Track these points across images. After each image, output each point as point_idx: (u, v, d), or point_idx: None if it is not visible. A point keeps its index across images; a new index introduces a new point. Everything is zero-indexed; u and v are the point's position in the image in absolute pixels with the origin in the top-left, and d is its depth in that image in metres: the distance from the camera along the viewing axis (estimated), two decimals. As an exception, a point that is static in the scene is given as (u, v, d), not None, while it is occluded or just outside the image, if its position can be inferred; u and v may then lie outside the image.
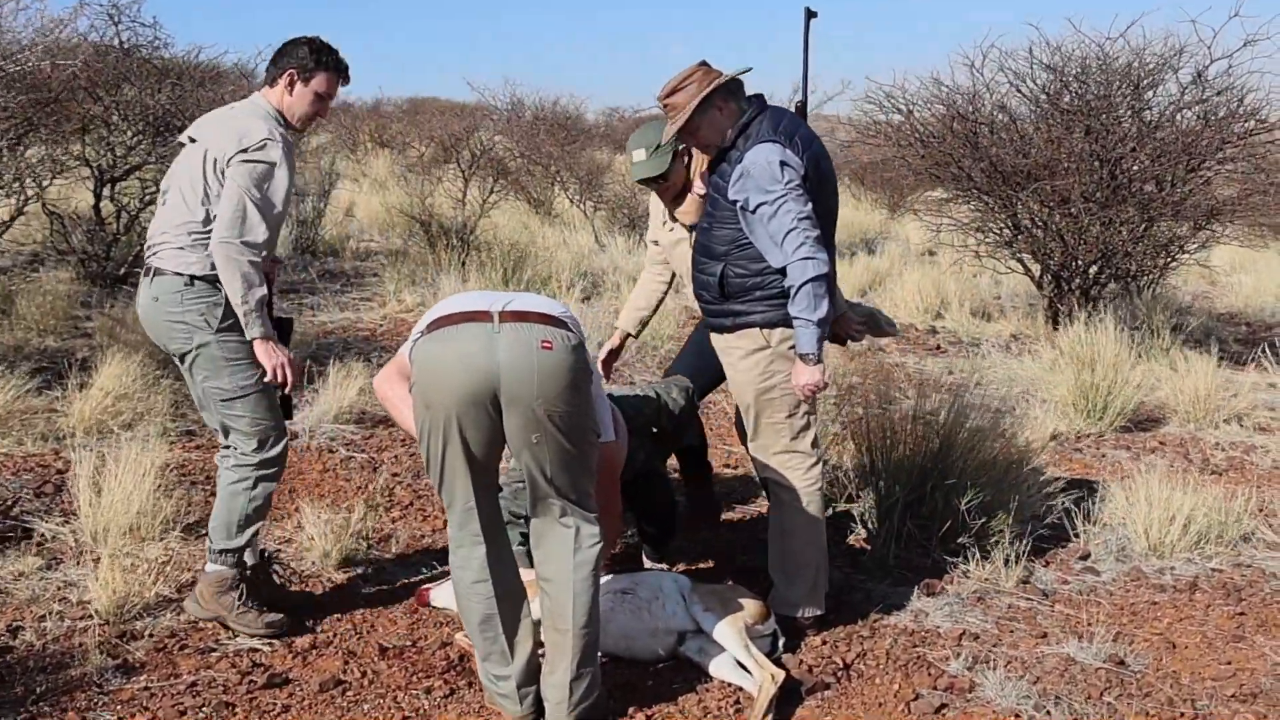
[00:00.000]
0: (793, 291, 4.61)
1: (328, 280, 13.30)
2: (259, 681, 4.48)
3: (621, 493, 5.34)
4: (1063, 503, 6.55)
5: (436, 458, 4.02)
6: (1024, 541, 5.89)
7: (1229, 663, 4.97)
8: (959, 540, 5.81)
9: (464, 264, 12.61)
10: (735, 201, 4.69)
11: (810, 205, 4.63)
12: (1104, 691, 4.67)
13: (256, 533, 4.94)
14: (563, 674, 4.14)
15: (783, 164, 4.60)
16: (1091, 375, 8.76)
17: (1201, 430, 8.71)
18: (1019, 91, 11.42)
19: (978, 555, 5.77)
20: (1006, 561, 5.71)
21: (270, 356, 4.65)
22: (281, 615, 4.89)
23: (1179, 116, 11.04)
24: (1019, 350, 11.08)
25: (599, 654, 4.27)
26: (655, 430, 5.46)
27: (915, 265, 15.05)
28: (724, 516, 6.55)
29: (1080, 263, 11.22)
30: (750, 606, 4.78)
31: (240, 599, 4.82)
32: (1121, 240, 10.84)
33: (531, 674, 4.24)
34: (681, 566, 5.71)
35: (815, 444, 5.02)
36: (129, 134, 11.85)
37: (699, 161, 5.53)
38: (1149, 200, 10.93)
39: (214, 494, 6.27)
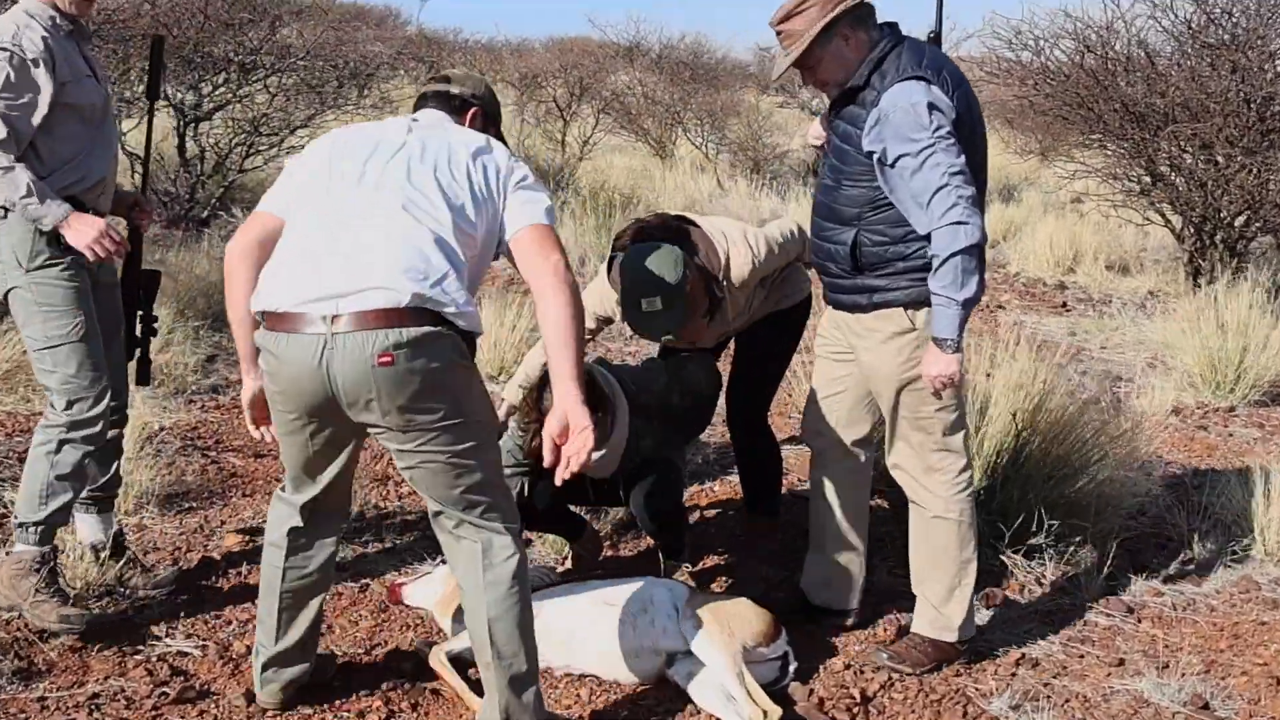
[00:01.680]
0: (936, 263, 3.77)
1: (424, 223, 12.72)
2: (171, 694, 3.87)
3: (623, 485, 4.65)
4: (1170, 493, 5.65)
5: (282, 432, 3.51)
6: (1114, 541, 5.04)
7: (1346, 709, 4.08)
8: (1035, 539, 4.96)
9: (561, 208, 11.91)
10: (870, 153, 3.87)
11: (963, 157, 3.78)
12: (1177, 746, 3.85)
13: (66, 508, 4.27)
14: (489, 714, 3.47)
15: (930, 106, 3.75)
16: (1223, 340, 7.73)
17: (1353, 407, 7.66)
18: (1158, 25, 10.33)
19: (1055, 558, 4.94)
20: (1089, 567, 4.87)
21: (79, 234, 4.00)
22: (79, 610, 4.22)
23: (1340, 52, 9.87)
24: (1153, 310, 10.04)
25: (533, 689, 3.58)
26: (667, 410, 4.68)
27: (1054, 215, 13.95)
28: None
29: (1224, 214, 10.17)
30: (754, 624, 4.04)
31: (43, 584, 4.16)
32: (1271, 190, 9.75)
33: (289, 660, 3.80)
34: (682, 573, 4.93)
35: (967, 441, 4.23)
36: (215, 73, 11.44)
37: (722, 264, 4.56)
38: (1304, 145, 9.79)
39: (215, 463, 5.82)
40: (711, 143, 17.78)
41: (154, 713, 3.79)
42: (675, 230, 4.51)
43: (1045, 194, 16.54)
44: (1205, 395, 7.67)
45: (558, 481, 3.26)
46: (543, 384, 4.35)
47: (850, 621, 4.54)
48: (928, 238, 3.81)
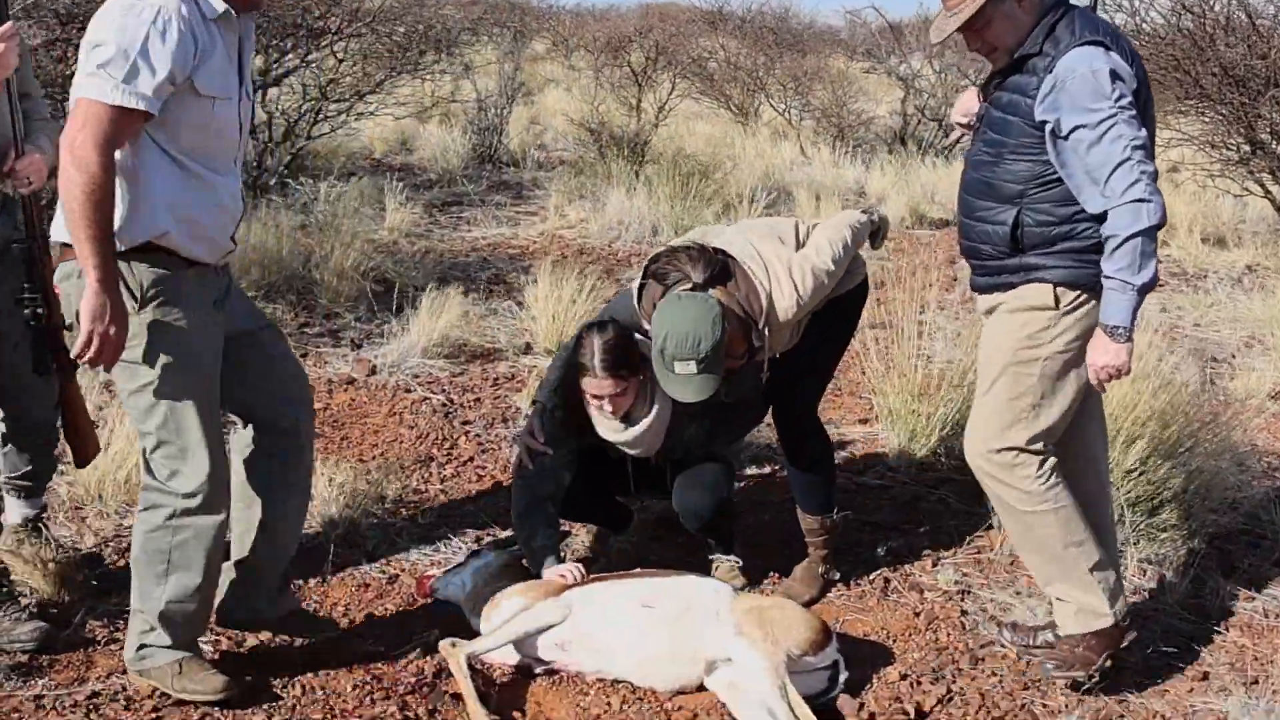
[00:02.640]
0: (1112, 244, 3.43)
1: (496, 192, 12.49)
2: (172, 696, 3.63)
3: (668, 476, 4.36)
4: (1266, 486, 5.24)
5: None
6: (1202, 539, 4.65)
7: None
8: (1114, 537, 4.56)
9: (635, 177, 11.57)
10: (1042, 123, 3.52)
11: (1144, 130, 3.46)
12: (1266, 776, 3.47)
13: None
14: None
15: (1113, 74, 3.42)
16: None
17: None
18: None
19: (1135, 559, 4.56)
20: (1174, 567, 4.51)
21: None
22: (44, 624, 3.90)
23: None
24: (1251, 286, 9.51)
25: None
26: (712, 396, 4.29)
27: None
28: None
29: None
30: (800, 630, 3.72)
31: None
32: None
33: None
34: (732, 563, 4.59)
35: (1049, 436, 3.78)
36: (283, 39, 11.24)
37: (764, 307, 4.04)
38: None
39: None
40: (794, 109, 17.33)
41: (154, 713, 3.56)
42: (717, 271, 4.02)
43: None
44: (1309, 379, 7.18)
45: None
46: (574, 359, 4.12)
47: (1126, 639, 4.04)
48: (1100, 217, 3.48)
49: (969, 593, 4.55)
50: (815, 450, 4.49)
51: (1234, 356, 7.50)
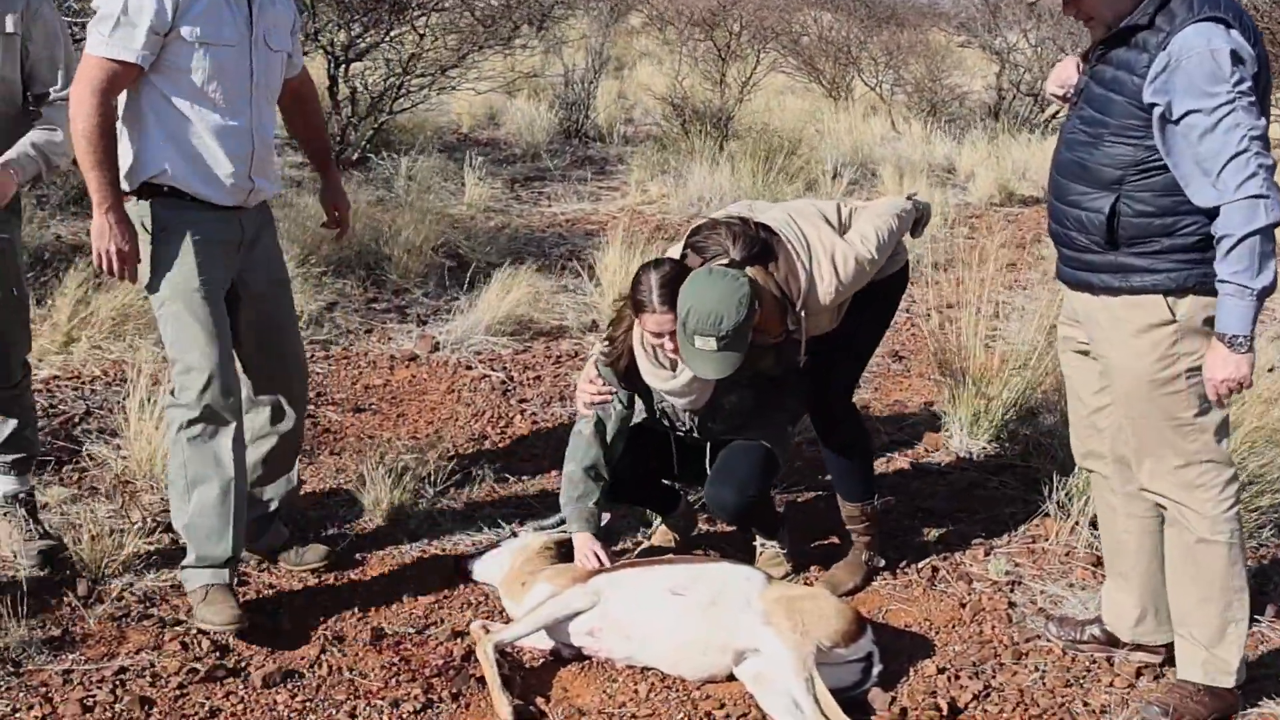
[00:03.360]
0: (1226, 245, 3.15)
1: (579, 167, 12.44)
2: (200, 671, 3.65)
3: (703, 466, 4.30)
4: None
5: None
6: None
7: None
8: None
9: (718, 152, 11.45)
10: (1152, 105, 3.23)
11: (1265, 120, 3.17)
12: (1313, 787, 3.32)
13: None
14: None
15: (1234, 55, 3.11)
16: None
17: None
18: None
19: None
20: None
21: None
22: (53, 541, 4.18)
23: None
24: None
25: None
26: (757, 370, 4.23)
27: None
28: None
29: None
30: (832, 621, 3.63)
31: None
32: None
33: None
34: (776, 549, 4.50)
35: (1225, 436, 3.51)
36: (363, 13, 11.28)
37: (802, 289, 3.92)
38: None
39: (310, 416, 5.60)
40: (887, 83, 17.08)
41: (179, 691, 3.58)
42: (759, 249, 3.94)
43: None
44: None
45: None
46: (631, 298, 4.01)
47: (1162, 661, 3.89)
48: (1207, 212, 3.21)
49: (1019, 584, 4.42)
50: (850, 436, 4.38)
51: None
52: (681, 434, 4.37)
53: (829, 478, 4.66)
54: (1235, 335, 3.18)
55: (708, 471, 4.34)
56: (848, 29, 18.07)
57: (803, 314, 3.91)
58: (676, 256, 4.08)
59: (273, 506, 4.34)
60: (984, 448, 5.57)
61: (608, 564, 4.01)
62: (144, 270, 3.81)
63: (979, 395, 5.60)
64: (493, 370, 6.43)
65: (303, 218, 7.89)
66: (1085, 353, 3.69)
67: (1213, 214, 3.17)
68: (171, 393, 3.91)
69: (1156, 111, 3.20)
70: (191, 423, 3.84)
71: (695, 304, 3.76)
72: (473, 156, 10.82)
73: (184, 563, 3.95)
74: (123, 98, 3.73)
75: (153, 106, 3.74)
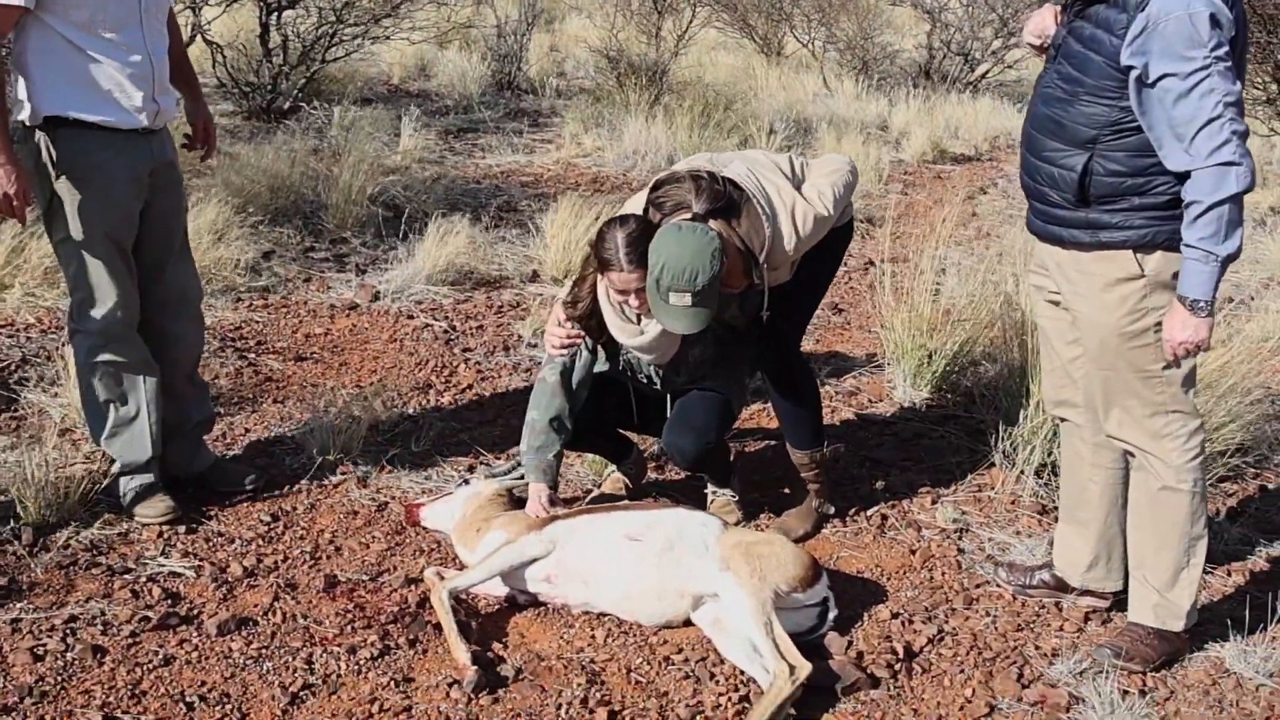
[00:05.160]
0: (1195, 210, 3.16)
1: (512, 119, 12.34)
2: (152, 619, 3.60)
3: (662, 416, 4.29)
4: (1274, 430, 5.15)
5: None
6: (1210, 482, 4.54)
7: None
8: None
9: (653, 106, 11.40)
10: (1129, 68, 3.22)
11: (1239, 84, 3.19)
12: (1258, 725, 3.40)
13: None
14: None
15: (1213, 19, 3.11)
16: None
17: None
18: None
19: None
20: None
21: None
22: None
23: None
24: (1274, 227, 9.32)
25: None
26: (721, 321, 4.19)
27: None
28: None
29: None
30: (789, 567, 3.64)
31: None
32: None
33: None
34: (729, 497, 4.53)
35: (1191, 388, 3.56)
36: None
37: (765, 244, 3.92)
38: None
39: (252, 365, 5.54)
40: (819, 40, 17.09)
41: (131, 639, 3.53)
42: (722, 204, 3.90)
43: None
44: (1327, 321, 7.04)
45: None
46: (596, 255, 3.97)
47: (1110, 605, 3.96)
48: (1180, 176, 3.22)
49: (967, 531, 4.47)
50: (800, 384, 4.38)
51: (1252, 299, 7.36)
52: (643, 384, 4.36)
53: (778, 427, 4.67)
54: (1197, 299, 3.22)
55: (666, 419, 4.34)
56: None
57: (765, 267, 3.91)
58: (639, 210, 4.06)
59: (193, 423, 4.47)
60: (926, 398, 5.62)
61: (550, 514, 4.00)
62: (51, 206, 3.92)
63: (922, 347, 5.64)
64: (435, 320, 6.38)
65: (239, 166, 7.77)
66: (1056, 303, 3.71)
67: (1184, 177, 3.19)
68: (73, 318, 4.08)
69: (1133, 74, 3.21)
70: (97, 347, 4.07)
71: (668, 260, 3.74)
72: (409, 107, 10.70)
73: (111, 471, 4.24)
74: (16, 40, 3.80)
75: (46, 43, 3.78)
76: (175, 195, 4.25)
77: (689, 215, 3.86)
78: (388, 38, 12.17)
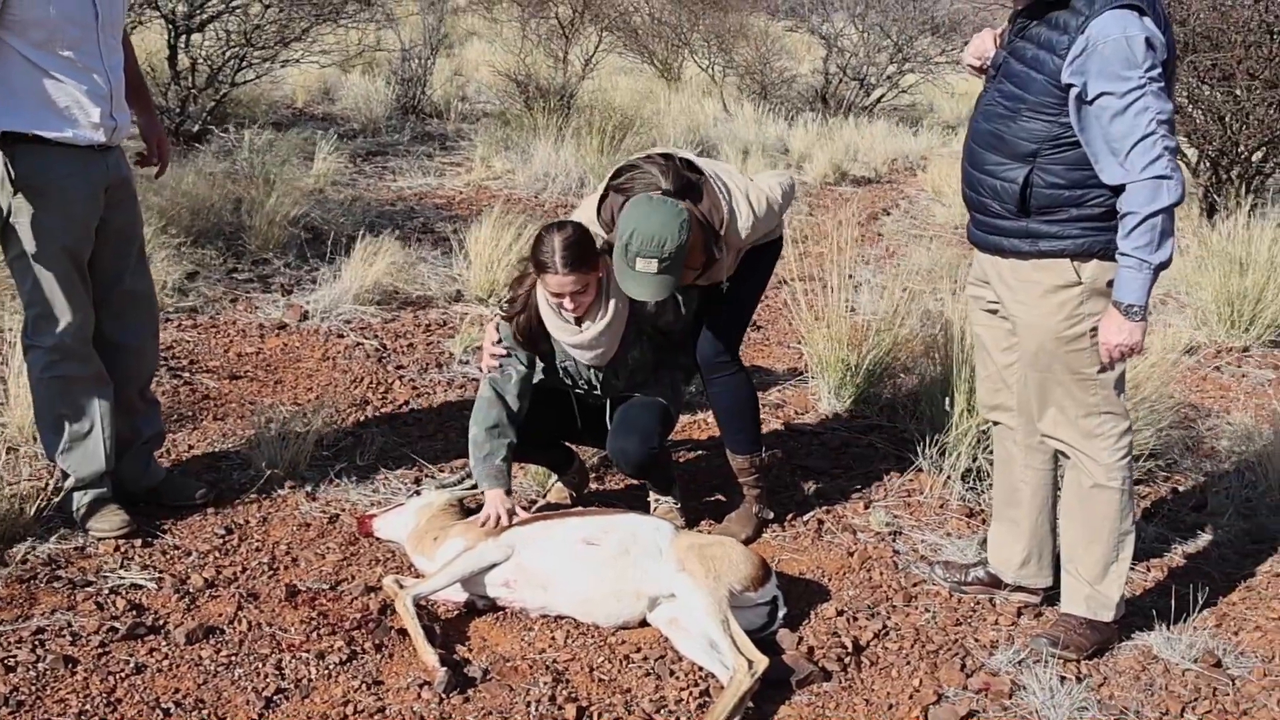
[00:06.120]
0: (1130, 222, 3.37)
1: (420, 143, 12.41)
2: (120, 630, 3.65)
3: (603, 425, 4.43)
4: (1181, 436, 5.41)
5: None
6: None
7: (1363, 666, 3.87)
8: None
9: (561, 129, 11.55)
10: (1069, 86, 3.43)
11: (1171, 103, 3.40)
12: (1188, 707, 3.62)
13: None
14: None
15: (1148, 42, 3.32)
16: (1241, 278, 7.44)
17: (1371, 349, 7.39)
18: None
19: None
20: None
21: None
22: None
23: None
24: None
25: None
26: (657, 325, 4.37)
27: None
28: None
29: (1242, 149, 9.85)
30: (741, 567, 3.80)
31: None
32: (1293, 124, 9.41)
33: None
34: (670, 504, 4.66)
35: (1122, 391, 3.78)
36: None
37: (725, 222, 4.15)
38: (1328, 79, 9.45)
39: (188, 384, 5.58)
40: (718, 66, 17.38)
41: (100, 649, 3.57)
42: (686, 183, 4.13)
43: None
44: (1219, 334, 7.39)
45: None
46: (533, 258, 4.11)
47: (1041, 601, 4.17)
48: (1115, 189, 3.43)
49: (900, 534, 4.67)
50: (739, 390, 4.55)
51: (1151, 312, 7.67)
52: (582, 392, 4.49)
53: (711, 438, 4.83)
54: (1131, 304, 3.43)
55: (608, 428, 4.48)
56: (676, 12, 18.29)
57: (724, 247, 4.09)
58: (587, 218, 4.21)
59: (145, 438, 4.52)
60: (850, 409, 5.82)
61: (516, 519, 4.12)
62: (7, 222, 3.95)
63: (842, 361, 5.85)
64: (365, 338, 6.46)
65: (159, 187, 7.76)
66: (994, 311, 3.92)
67: (1119, 190, 3.41)
68: (29, 333, 4.13)
69: (1073, 92, 3.42)
70: (53, 362, 4.12)
71: (638, 227, 3.92)
72: (322, 130, 10.75)
73: (65, 486, 4.23)
74: None
75: (3, 61, 3.84)
76: (131, 211, 4.30)
77: (659, 192, 4.05)
78: (298, 61, 12.16)
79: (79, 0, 3.90)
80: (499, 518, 4.11)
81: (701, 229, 4.10)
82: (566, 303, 4.12)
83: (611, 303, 4.21)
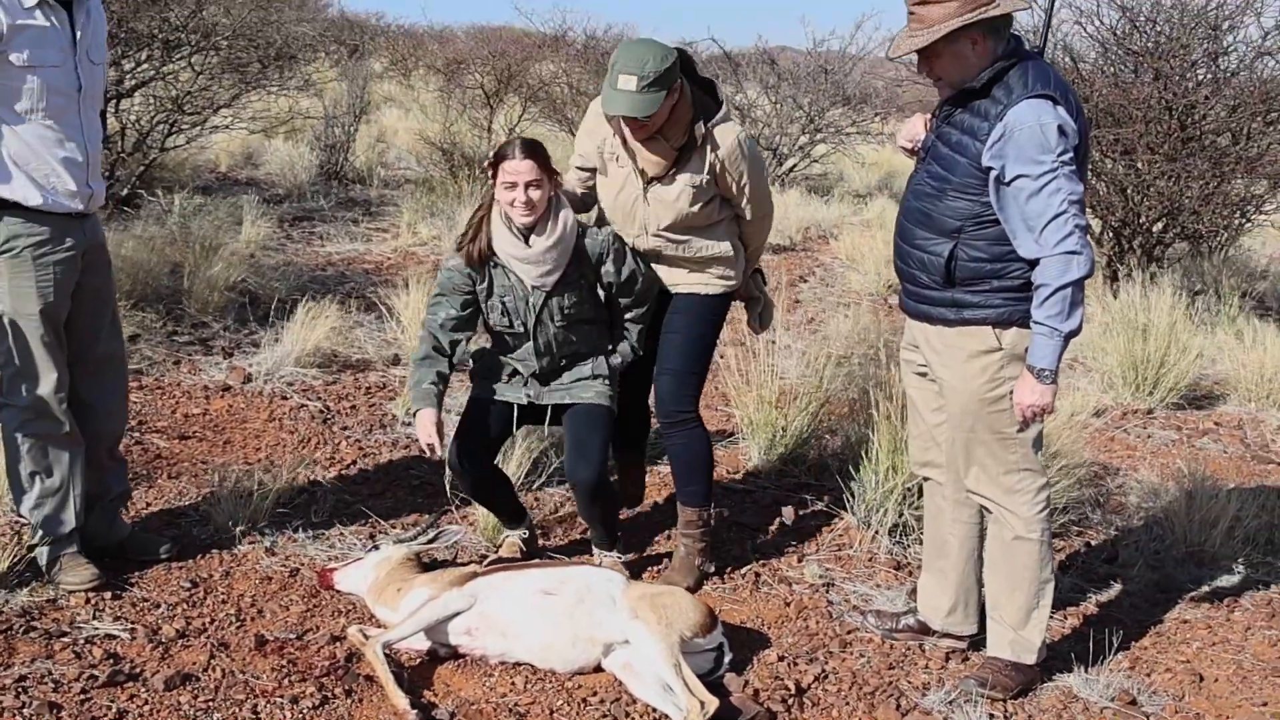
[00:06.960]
0: (1043, 293, 3.67)
1: (345, 208, 12.61)
2: (100, 677, 3.81)
3: (549, 415, 4.78)
4: (1091, 493, 5.76)
5: None
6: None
7: (1264, 704, 4.19)
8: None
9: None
10: (988, 169, 3.74)
11: (1082, 185, 3.71)
12: (1106, 741, 3.92)
13: None
14: None
15: (1060, 129, 3.64)
16: (1144, 344, 7.87)
17: (1264, 411, 7.84)
18: (1083, 30, 10.54)
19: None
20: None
21: None
22: None
23: (1259, 64, 10.15)
24: (1070, 313, 10.14)
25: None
26: (599, 270, 4.62)
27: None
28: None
29: (1143, 219, 10.36)
30: (690, 614, 4.05)
31: None
32: (1190, 196, 9.95)
33: None
34: (615, 558, 4.91)
35: (1040, 450, 4.10)
36: (138, 50, 11.22)
37: (684, 103, 4.43)
38: (1222, 154, 10.04)
39: (139, 443, 5.72)
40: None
41: (83, 695, 3.73)
42: (694, 71, 4.50)
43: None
44: (1125, 397, 7.80)
45: None
46: (494, 155, 4.42)
47: (967, 646, 4.45)
48: (1031, 263, 3.72)
49: (833, 585, 4.94)
50: (696, 443, 4.79)
51: (1060, 375, 8.05)
52: (522, 374, 4.72)
53: (650, 500, 5.09)
54: (1043, 369, 3.75)
55: (544, 425, 4.82)
56: (596, 83, 18.63)
57: (710, 129, 4.40)
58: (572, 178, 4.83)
59: (113, 494, 4.69)
60: (779, 468, 6.10)
61: (438, 444, 4.45)
62: None
63: (770, 423, 6.14)
64: (309, 400, 6.64)
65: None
66: (924, 374, 4.22)
67: (1034, 263, 3.72)
68: (4, 392, 4.28)
69: (992, 174, 3.74)
70: (26, 421, 4.28)
71: (624, 48, 4.32)
72: (249, 196, 10.92)
73: (33, 542, 4.40)
74: None
75: None
76: (106, 275, 4.48)
77: None
78: (228, 127, 12.33)
79: (64, 71, 4.09)
80: (433, 447, 4.45)
81: (689, 104, 4.38)
82: (519, 195, 4.35)
83: (561, 216, 4.45)
